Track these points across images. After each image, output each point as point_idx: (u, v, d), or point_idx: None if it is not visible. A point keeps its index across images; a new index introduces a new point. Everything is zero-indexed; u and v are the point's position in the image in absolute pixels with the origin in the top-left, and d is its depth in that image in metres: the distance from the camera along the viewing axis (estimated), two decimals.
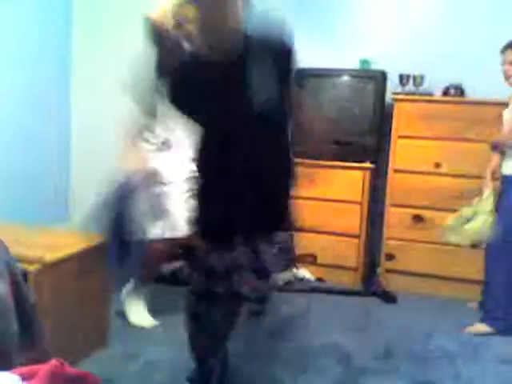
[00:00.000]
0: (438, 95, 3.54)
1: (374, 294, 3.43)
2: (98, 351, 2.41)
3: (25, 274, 1.73)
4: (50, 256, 2.08)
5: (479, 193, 3.07)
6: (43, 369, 1.00)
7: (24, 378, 0.97)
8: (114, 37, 3.88)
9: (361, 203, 3.55)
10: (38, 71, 3.74)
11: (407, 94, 3.55)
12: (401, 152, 3.49)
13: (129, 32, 3.58)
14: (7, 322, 1.27)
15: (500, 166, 3.02)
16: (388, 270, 3.57)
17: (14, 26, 3.49)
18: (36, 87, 3.72)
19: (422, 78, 3.54)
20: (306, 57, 3.90)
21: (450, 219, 3.07)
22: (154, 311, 2.96)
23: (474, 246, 3.05)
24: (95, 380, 1.08)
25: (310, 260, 3.67)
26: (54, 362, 1.03)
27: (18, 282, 1.38)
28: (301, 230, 3.61)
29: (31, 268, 1.96)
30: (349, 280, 3.58)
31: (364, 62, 3.75)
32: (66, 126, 4.09)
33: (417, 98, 3.51)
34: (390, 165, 3.52)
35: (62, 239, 2.46)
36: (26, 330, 1.34)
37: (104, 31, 3.98)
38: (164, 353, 2.46)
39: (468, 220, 2.99)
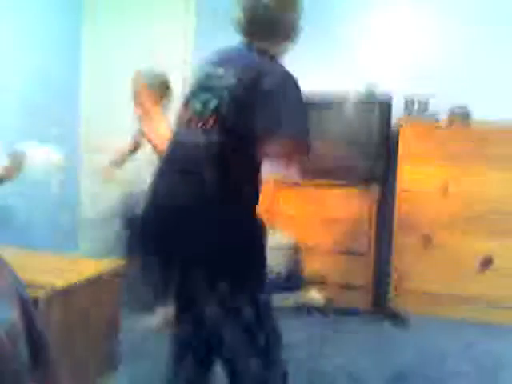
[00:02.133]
0: (443, 118, 3.55)
1: (384, 315, 3.41)
2: (107, 376, 2.41)
3: (35, 300, 1.76)
4: (60, 282, 2.10)
5: None
6: None
7: None
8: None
9: (369, 227, 3.55)
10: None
11: (412, 118, 3.57)
12: (407, 175, 3.51)
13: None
14: (17, 347, 1.29)
15: None
16: (398, 292, 3.55)
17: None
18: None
19: (426, 102, 3.56)
20: (309, 82, 3.99)
21: None
22: (163, 334, 2.96)
23: None
24: None
25: (319, 281, 3.66)
26: None
27: (27, 307, 1.40)
28: (309, 251, 3.64)
29: (41, 294, 1.99)
30: (359, 301, 3.56)
31: (369, 87, 3.78)
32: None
33: (422, 122, 3.54)
34: (397, 188, 3.54)
35: (72, 265, 2.49)
36: (35, 355, 1.36)
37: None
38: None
39: None
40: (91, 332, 2.31)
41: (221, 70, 1.68)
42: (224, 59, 1.74)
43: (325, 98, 3.74)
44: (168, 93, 2.99)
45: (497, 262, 3.34)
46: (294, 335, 3.08)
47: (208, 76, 1.71)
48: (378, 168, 3.62)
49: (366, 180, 3.59)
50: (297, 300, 3.56)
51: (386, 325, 3.31)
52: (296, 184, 3.76)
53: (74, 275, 2.22)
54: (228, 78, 1.63)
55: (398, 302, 3.54)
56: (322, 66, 3.99)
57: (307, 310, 3.51)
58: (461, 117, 3.49)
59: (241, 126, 1.59)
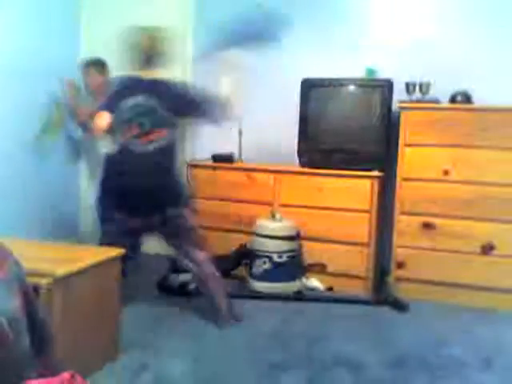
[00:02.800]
0: (444, 102, 3.53)
1: (385, 302, 3.41)
2: (110, 364, 2.41)
3: (36, 288, 1.75)
4: (62, 270, 2.09)
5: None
6: (55, 382, 1.01)
7: None
8: None
9: (369, 211, 3.55)
10: None
11: (414, 102, 3.55)
12: (409, 160, 3.49)
13: None
14: (19, 336, 1.28)
15: None
16: (398, 278, 3.55)
17: None
18: None
19: (428, 85, 3.54)
20: (311, 67, 3.99)
21: None
22: (164, 323, 2.97)
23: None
24: None
25: (320, 269, 3.66)
26: (65, 374, 1.04)
27: (29, 295, 1.39)
28: (310, 239, 3.64)
29: (42, 282, 1.98)
30: (359, 289, 3.57)
31: (370, 70, 3.76)
32: None
33: (423, 105, 3.51)
34: (399, 173, 3.52)
35: (74, 253, 2.48)
36: (37, 343, 1.35)
37: None
38: (175, 364, 2.46)
39: None
40: (92, 320, 2.31)
41: (141, 99, 2.79)
42: (136, 89, 2.82)
43: (326, 83, 3.73)
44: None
45: (497, 247, 3.34)
46: (293, 322, 3.09)
47: (135, 105, 2.78)
48: (378, 153, 3.60)
49: (366, 165, 3.57)
50: (297, 287, 3.57)
51: (386, 311, 3.31)
52: (297, 172, 3.75)
53: (74, 263, 2.21)
54: (148, 101, 2.78)
55: (397, 288, 3.54)
56: (323, 52, 3.96)
57: (307, 297, 3.52)
58: (462, 100, 3.46)
59: (170, 126, 2.88)
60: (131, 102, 2.79)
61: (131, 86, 2.87)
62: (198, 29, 4.30)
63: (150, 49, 2.89)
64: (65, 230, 3.95)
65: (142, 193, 2.80)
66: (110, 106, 2.83)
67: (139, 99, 2.79)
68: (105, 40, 3.25)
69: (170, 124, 2.87)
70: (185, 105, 2.93)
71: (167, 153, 2.89)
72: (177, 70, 4.00)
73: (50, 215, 3.93)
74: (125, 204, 2.84)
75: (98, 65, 3.74)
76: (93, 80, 3.66)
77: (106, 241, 2.79)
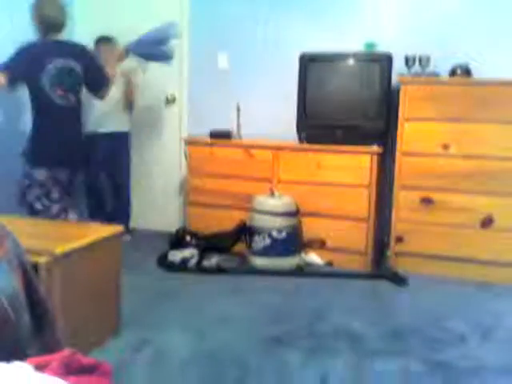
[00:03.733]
0: (444, 76, 3.50)
1: (384, 276, 3.43)
2: (110, 340, 2.44)
3: (35, 266, 1.75)
4: (61, 248, 2.09)
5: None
6: (56, 358, 1.01)
7: (37, 367, 0.98)
8: None
9: (369, 187, 3.54)
10: None
11: (413, 75, 3.52)
12: (408, 134, 3.47)
13: None
14: (20, 314, 1.28)
15: None
16: (398, 253, 3.57)
17: None
18: None
19: (427, 59, 3.50)
20: (310, 41, 3.94)
21: None
22: (165, 298, 2.99)
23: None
24: (107, 368, 1.09)
25: (319, 244, 3.68)
26: (66, 351, 1.04)
27: (29, 273, 1.39)
28: (309, 214, 3.65)
29: (41, 260, 1.98)
30: (358, 264, 3.59)
31: (369, 44, 3.72)
32: None
33: (423, 79, 3.48)
34: (398, 147, 3.50)
35: (72, 231, 2.48)
36: (38, 321, 1.36)
37: None
38: (175, 340, 2.48)
39: None
40: (92, 298, 2.32)
41: (69, 62, 3.11)
42: (64, 54, 3.10)
43: (324, 57, 3.69)
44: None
45: (496, 221, 3.34)
46: (293, 296, 3.11)
47: (63, 68, 3.08)
48: (378, 128, 3.58)
49: (366, 141, 3.56)
50: (297, 263, 3.58)
51: (385, 285, 3.33)
52: (295, 149, 3.74)
53: (73, 240, 2.21)
54: (75, 65, 3.14)
55: (397, 262, 3.55)
56: (322, 26, 3.91)
57: (307, 272, 3.54)
58: (462, 74, 3.43)
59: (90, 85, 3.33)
60: (59, 62, 3.07)
61: (56, 48, 3.12)
62: (194, 24, 4.25)
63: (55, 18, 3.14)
64: None
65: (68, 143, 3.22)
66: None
67: (67, 62, 3.10)
68: None
69: (79, 89, 3.24)
70: (99, 79, 3.34)
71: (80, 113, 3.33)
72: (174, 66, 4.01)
73: None
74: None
75: (107, 40, 3.97)
76: (102, 54, 3.82)
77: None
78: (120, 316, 2.57)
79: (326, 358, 2.35)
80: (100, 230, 2.45)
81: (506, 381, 2.19)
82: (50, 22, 3.10)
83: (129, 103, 4.19)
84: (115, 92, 3.84)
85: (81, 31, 4.20)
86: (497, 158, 3.31)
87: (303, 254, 3.67)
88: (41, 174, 3.08)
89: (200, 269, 3.50)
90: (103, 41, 4.01)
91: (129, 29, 3.88)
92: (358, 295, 3.16)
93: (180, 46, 4.27)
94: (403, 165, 3.51)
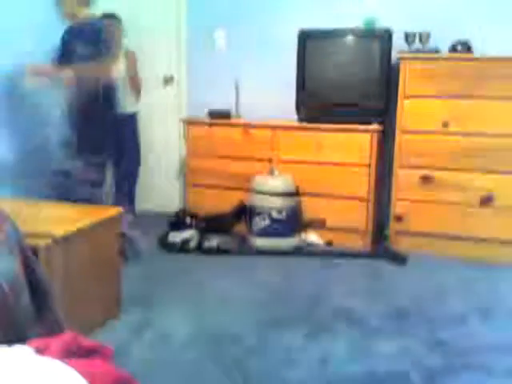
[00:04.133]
0: (444, 52, 3.46)
1: (384, 255, 3.43)
2: (111, 322, 2.44)
3: (35, 250, 1.74)
4: (60, 231, 2.09)
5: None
6: (57, 341, 1.01)
7: (38, 350, 0.98)
8: None
9: (369, 166, 3.53)
10: None
11: (413, 52, 3.48)
12: (408, 112, 3.44)
13: None
14: (20, 297, 1.28)
15: None
16: (397, 232, 3.57)
17: None
18: None
19: (427, 35, 3.46)
20: (308, 18, 3.89)
21: None
22: (165, 280, 2.99)
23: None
24: (108, 350, 1.09)
25: (319, 224, 3.67)
26: (67, 334, 1.04)
27: (28, 257, 1.39)
28: (309, 194, 3.64)
29: (41, 243, 1.97)
30: (358, 243, 3.59)
31: (368, 20, 3.67)
32: None
33: (423, 55, 3.44)
34: (398, 125, 3.48)
35: (71, 213, 2.47)
36: (38, 304, 1.36)
37: None
38: (176, 321, 2.49)
39: None
40: (92, 280, 2.32)
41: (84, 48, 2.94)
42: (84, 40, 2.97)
43: (323, 34, 3.64)
44: None
45: (496, 199, 3.34)
46: (293, 277, 3.12)
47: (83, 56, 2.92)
48: (378, 105, 3.55)
49: (366, 118, 3.53)
50: (297, 243, 3.58)
51: (385, 264, 3.33)
52: (295, 128, 3.71)
53: (72, 223, 2.20)
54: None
55: (396, 241, 3.56)
56: (320, 1, 3.86)
57: (307, 252, 3.54)
58: (462, 50, 3.39)
59: None
60: (81, 49, 2.98)
61: (79, 34, 3.03)
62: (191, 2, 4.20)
63: None
64: None
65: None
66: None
67: (83, 49, 2.98)
68: None
69: None
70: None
71: None
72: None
73: None
74: None
75: (115, 19, 3.78)
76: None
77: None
78: (120, 298, 2.57)
79: (327, 339, 2.36)
80: (99, 212, 2.44)
81: (507, 359, 2.20)
82: None
83: (135, 84, 4.03)
84: (121, 71, 3.73)
85: None
86: (497, 136, 3.29)
87: (303, 234, 3.67)
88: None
89: (200, 250, 3.50)
90: (106, 19, 3.78)
91: (125, 8, 3.83)
92: (358, 275, 3.16)
93: (177, 25, 4.22)
94: (403, 143, 3.48)
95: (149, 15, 4.24)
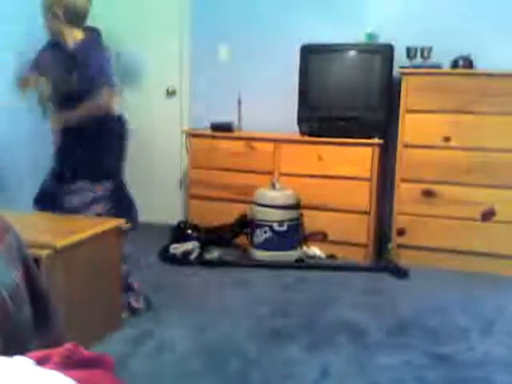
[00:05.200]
0: (446, 68, 3.48)
1: (385, 269, 3.43)
2: (112, 333, 2.44)
3: (36, 260, 1.75)
4: (62, 241, 2.09)
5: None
6: (57, 352, 1.01)
7: (38, 362, 0.97)
8: None
9: (370, 179, 3.53)
10: None
11: (415, 67, 3.49)
12: (409, 126, 3.46)
13: None
14: (21, 307, 1.28)
15: None
16: (399, 245, 3.56)
17: None
18: None
19: (429, 50, 3.48)
20: (311, 33, 3.92)
21: None
22: (166, 292, 2.99)
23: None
24: (109, 361, 1.08)
25: (320, 237, 3.67)
26: (68, 345, 1.04)
27: (30, 267, 1.39)
28: (310, 207, 3.64)
29: (43, 253, 1.98)
30: (359, 256, 3.58)
31: (370, 35, 3.69)
32: None
33: (424, 71, 3.46)
34: (399, 140, 3.49)
35: (73, 224, 2.47)
36: (39, 315, 1.35)
37: None
38: (176, 333, 2.48)
39: None
40: (93, 291, 2.32)
41: None
42: None
43: (325, 48, 3.67)
44: None
45: (498, 213, 3.33)
46: (294, 289, 3.11)
47: None
48: (379, 119, 3.57)
49: (367, 133, 3.54)
50: (298, 256, 3.58)
51: (386, 278, 3.33)
52: (297, 141, 3.72)
53: (74, 234, 2.21)
54: None
55: (398, 255, 3.55)
56: (323, 17, 3.89)
57: (308, 265, 3.53)
58: (464, 65, 3.41)
59: None
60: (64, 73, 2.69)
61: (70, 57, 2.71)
62: (195, 15, 4.23)
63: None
64: None
65: None
66: None
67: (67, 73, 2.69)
68: None
69: None
70: None
71: None
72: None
73: None
74: None
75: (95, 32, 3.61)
76: None
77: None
78: (122, 309, 2.56)
79: (327, 352, 2.35)
80: (101, 224, 2.44)
81: (508, 374, 2.19)
82: (76, 10, 2.63)
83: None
84: None
85: None
86: (498, 150, 3.29)
87: (304, 247, 3.66)
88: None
89: (201, 262, 3.50)
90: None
91: (129, 21, 3.87)
92: (360, 288, 3.15)
93: (180, 38, 4.25)
94: (404, 157, 3.49)
95: (152, 28, 4.27)
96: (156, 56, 4.24)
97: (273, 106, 4.03)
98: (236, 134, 3.94)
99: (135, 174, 4.32)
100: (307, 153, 3.66)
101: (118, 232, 2.48)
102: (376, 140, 3.52)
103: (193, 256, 3.52)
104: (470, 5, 3.58)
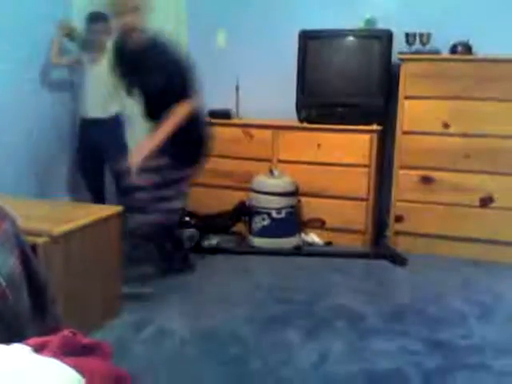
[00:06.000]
0: (445, 53, 3.46)
1: (383, 256, 3.43)
2: (110, 321, 2.44)
3: (34, 247, 1.74)
4: (59, 229, 2.09)
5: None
6: (55, 339, 1.01)
7: (36, 348, 0.97)
8: None
9: (369, 166, 3.52)
10: None
11: (414, 53, 3.47)
12: (408, 113, 3.44)
13: None
14: (19, 295, 1.28)
15: None
16: (397, 232, 3.56)
17: None
18: None
19: (428, 36, 3.45)
20: (309, 18, 3.88)
21: None
22: (164, 279, 2.99)
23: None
24: (107, 348, 1.09)
25: (319, 224, 3.67)
26: (65, 332, 1.04)
27: (27, 255, 1.39)
28: (308, 194, 3.63)
29: (40, 241, 1.97)
30: (358, 243, 3.59)
31: (369, 21, 3.66)
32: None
33: (424, 56, 3.44)
34: (398, 126, 3.48)
35: (70, 211, 2.47)
36: (37, 302, 1.36)
37: None
38: (175, 319, 2.49)
39: None
40: (91, 278, 2.32)
41: None
42: None
43: (324, 34, 3.64)
44: None
45: (496, 200, 3.33)
46: (293, 276, 3.12)
47: None
48: (378, 106, 3.55)
49: (366, 119, 3.53)
50: (296, 243, 3.58)
51: (385, 265, 3.33)
52: (295, 128, 3.71)
53: (72, 221, 2.20)
54: None
55: (396, 241, 3.55)
56: (321, 2, 3.85)
57: (307, 252, 3.54)
58: (462, 51, 3.38)
59: None
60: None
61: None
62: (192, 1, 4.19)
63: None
64: None
65: None
66: None
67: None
68: None
69: None
70: None
71: None
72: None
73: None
74: None
75: (107, 19, 3.40)
76: (102, 36, 3.45)
77: None
78: (120, 297, 2.57)
79: (325, 337, 2.36)
80: (99, 211, 2.44)
81: (505, 359, 2.20)
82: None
83: None
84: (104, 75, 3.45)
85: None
86: (497, 137, 3.28)
87: (303, 234, 3.67)
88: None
89: (199, 249, 3.50)
90: (95, 19, 3.48)
91: None
92: (358, 275, 3.16)
93: (177, 25, 4.21)
94: (403, 143, 3.48)
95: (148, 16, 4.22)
96: None
97: (271, 92, 4.00)
98: (234, 121, 3.92)
99: None
100: (306, 140, 3.65)
101: (117, 219, 2.47)
102: (375, 127, 3.50)
103: (191, 243, 3.52)
104: None
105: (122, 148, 3.56)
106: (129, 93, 3.00)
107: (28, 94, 3.49)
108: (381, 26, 3.62)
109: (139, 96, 2.89)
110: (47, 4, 3.66)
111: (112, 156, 3.45)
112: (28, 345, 0.98)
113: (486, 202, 3.35)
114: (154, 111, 2.80)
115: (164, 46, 2.74)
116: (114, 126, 3.68)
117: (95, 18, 3.50)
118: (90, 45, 3.58)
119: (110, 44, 3.30)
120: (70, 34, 3.62)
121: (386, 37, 3.49)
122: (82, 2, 4.07)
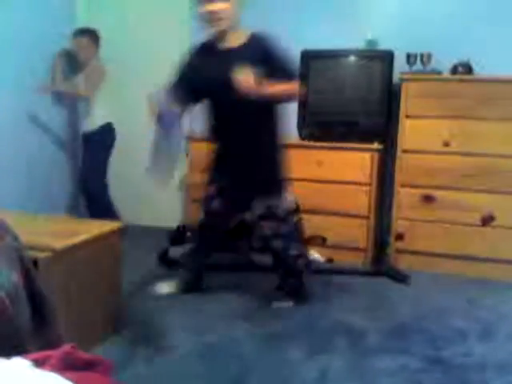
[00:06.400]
0: (445, 73, 3.49)
1: (384, 273, 3.42)
2: (110, 336, 2.43)
3: (35, 262, 1.75)
4: (60, 243, 2.09)
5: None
6: (56, 354, 1.01)
7: (37, 363, 0.97)
8: None
9: (370, 184, 3.53)
10: None
11: (414, 73, 3.50)
12: (409, 132, 3.46)
13: None
14: (19, 309, 1.28)
15: None
16: (398, 250, 3.56)
17: None
18: None
19: (429, 56, 3.49)
20: (311, 38, 3.92)
21: None
22: (164, 296, 2.98)
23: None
24: (108, 364, 1.08)
25: (320, 241, 3.67)
26: (66, 347, 1.04)
27: (29, 269, 1.38)
28: (310, 212, 3.63)
29: (41, 255, 1.98)
30: (359, 261, 3.58)
31: (370, 41, 3.71)
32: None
33: (424, 76, 3.47)
34: (399, 145, 3.50)
35: (72, 227, 2.48)
36: (38, 316, 1.35)
37: None
38: (176, 336, 2.48)
39: None
40: (92, 293, 2.32)
41: None
42: None
43: (326, 54, 3.68)
44: None
45: (497, 218, 3.34)
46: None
47: None
48: (379, 125, 3.57)
49: (367, 138, 3.55)
50: None
51: (386, 282, 3.33)
52: (296, 146, 3.72)
53: (73, 237, 2.21)
54: None
55: (397, 260, 3.55)
56: (323, 22, 3.90)
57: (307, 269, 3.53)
58: (463, 71, 3.42)
59: None
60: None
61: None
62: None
63: None
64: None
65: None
66: None
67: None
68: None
69: None
70: None
71: None
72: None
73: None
74: None
75: (93, 34, 3.67)
76: (86, 51, 3.63)
77: None
78: (120, 312, 2.56)
79: (326, 355, 2.35)
80: (100, 226, 2.44)
81: (506, 378, 2.19)
82: None
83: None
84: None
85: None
86: (498, 156, 3.30)
87: None
88: None
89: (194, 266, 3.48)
90: (80, 34, 3.63)
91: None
92: (359, 292, 3.15)
93: (179, 44, 4.25)
94: (404, 162, 3.50)
95: (154, 36, 4.28)
96: (153, 54, 4.25)
97: None
98: None
99: (135, 177, 4.34)
100: (307, 157, 3.66)
101: (118, 234, 2.48)
102: (376, 145, 3.52)
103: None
104: (469, 11, 3.60)
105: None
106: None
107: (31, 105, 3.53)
108: (382, 46, 3.66)
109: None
110: (53, 20, 3.73)
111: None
112: (28, 359, 0.98)
113: (487, 220, 3.35)
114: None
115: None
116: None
117: (80, 32, 3.64)
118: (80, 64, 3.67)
119: (94, 60, 3.45)
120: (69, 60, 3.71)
121: (388, 57, 3.53)
122: (87, 17, 4.15)
